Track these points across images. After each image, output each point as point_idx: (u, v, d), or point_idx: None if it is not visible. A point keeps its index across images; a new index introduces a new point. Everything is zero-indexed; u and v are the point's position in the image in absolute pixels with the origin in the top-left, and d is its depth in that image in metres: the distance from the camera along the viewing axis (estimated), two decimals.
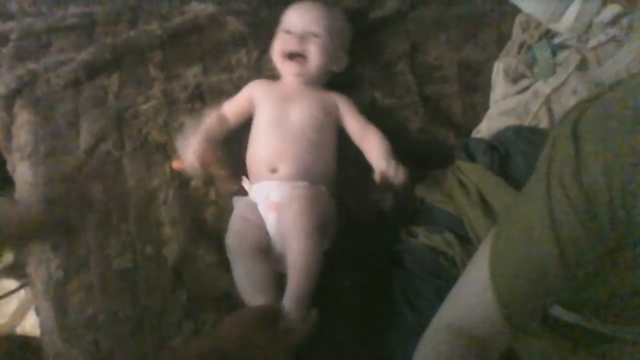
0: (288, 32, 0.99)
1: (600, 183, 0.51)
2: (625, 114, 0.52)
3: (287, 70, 0.99)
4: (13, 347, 0.67)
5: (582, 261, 0.55)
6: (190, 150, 0.92)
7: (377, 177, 0.90)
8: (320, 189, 0.92)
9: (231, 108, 1.00)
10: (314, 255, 0.82)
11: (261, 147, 0.95)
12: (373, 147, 0.94)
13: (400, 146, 0.99)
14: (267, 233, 0.90)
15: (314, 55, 0.97)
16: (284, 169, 0.91)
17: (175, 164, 0.97)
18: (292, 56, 0.98)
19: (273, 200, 0.90)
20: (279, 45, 0.99)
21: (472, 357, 0.61)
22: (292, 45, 0.97)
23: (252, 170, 0.96)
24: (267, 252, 0.89)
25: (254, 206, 0.92)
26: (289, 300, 0.79)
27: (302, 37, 0.97)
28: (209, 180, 1.00)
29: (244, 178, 0.98)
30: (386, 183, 0.90)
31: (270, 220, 0.90)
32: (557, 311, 0.68)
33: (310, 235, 0.83)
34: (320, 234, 0.85)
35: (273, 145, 0.94)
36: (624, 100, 0.54)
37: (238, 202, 0.95)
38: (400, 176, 0.88)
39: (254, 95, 1.00)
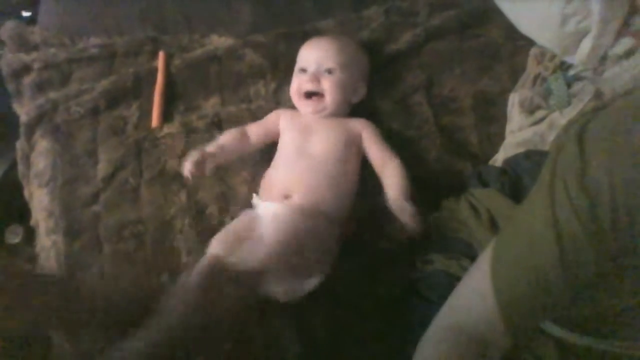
0: (303, 70, 1.01)
1: (602, 182, 0.52)
2: (627, 113, 0.54)
3: (304, 109, 1.01)
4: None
5: (582, 262, 0.55)
6: (195, 154, 0.93)
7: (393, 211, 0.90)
8: (324, 222, 0.91)
9: (255, 128, 1.02)
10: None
11: (279, 172, 0.96)
12: (391, 182, 0.94)
13: (418, 176, 0.99)
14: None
15: (329, 92, 0.98)
16: (297, 198, 0.91)
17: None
18: (308, 95, 0.99)
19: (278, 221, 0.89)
20: (295, 85, 1.01)
21: (472, 357, 0.61)
22: (307, 85, 0.99)
23: (266, 190, 0.97)
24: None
25: (255, 221, 0.92)
26: None
27: (317, 75, 0.99)
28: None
29: (255, 195, 0.98)
30: (399, 226, 0.89)
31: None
32: (561, 333, 0.66)
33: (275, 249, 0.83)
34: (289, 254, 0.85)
35: (291, 172, 0.94)
36: (627, 103, 0.57)
37: (245, 213, 0.95)
38: (412, 221, 0.88)
39: (280, 121, 1.02)
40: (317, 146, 0.96)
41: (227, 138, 0.99)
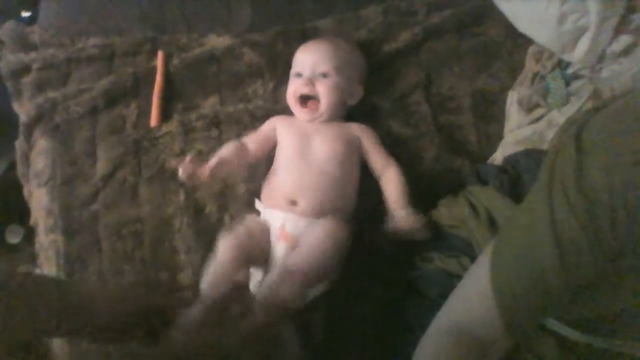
0: (298, 75, 1.01)
1: (601, 183, 0.52)
2: (627, 113, 0.54)
3: (300, 115, 1.01)
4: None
5: (582, 263, 0.55)
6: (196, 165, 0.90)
7: (389, 224, 0.91)
8: (340, 224, 0.90)
9: (253, 139, 1.01)
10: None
11: (282, 178, 0.95)
12: (391, 191, 0.95)
13: (416, 175, 1.00)
14: (266, 257, 0.90)
15: (324, 96, 0.98)
16: (304, 203, 0.91)
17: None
18: (303, 99, 0.99)
19: (288, 231, 0.90)
20: (291, 89, 1.01)
21: (472, 357, 0.61)
22: (303, 89, 0.98)
23: (270, 197, 0.96)
24: (248, 267, 0.90)
25: (264, 228, 0.92)
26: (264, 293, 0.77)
27: (312, 80, 0.98)
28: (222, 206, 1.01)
29: (257, 200, 0.98)
30: (399, 230, 0.91)
31: (279, 249, 0.90)
32: (563, 330, 0.66)
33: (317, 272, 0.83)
34: (327, 271, 0.86)
35: (294, 178, 0.93)
36: (626, 104, 0.57)
37: (249, 218, 0.95)
38: (414, 224, 0.89)
39: (276, 129, 1.01)
40: (318, 149, 0.96)
41: (226, 151, 0.96)
